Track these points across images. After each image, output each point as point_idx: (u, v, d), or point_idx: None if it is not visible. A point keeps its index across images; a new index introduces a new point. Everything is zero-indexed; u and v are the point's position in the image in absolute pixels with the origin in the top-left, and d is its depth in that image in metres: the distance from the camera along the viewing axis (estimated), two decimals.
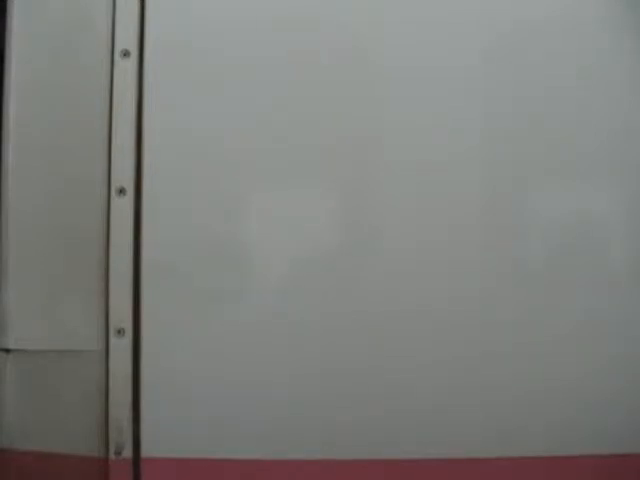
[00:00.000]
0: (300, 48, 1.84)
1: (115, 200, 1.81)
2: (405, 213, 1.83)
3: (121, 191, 1.81)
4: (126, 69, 1.83)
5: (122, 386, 1.79)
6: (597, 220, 1.88)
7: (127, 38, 1.84)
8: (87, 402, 1.81)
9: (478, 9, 1.85)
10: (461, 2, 1.86)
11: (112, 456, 1.78)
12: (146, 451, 1.79)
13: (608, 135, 1.85)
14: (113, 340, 1.80)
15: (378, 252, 1.82)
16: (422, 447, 1.80)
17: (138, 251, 1.80)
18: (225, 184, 1.83)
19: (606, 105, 1.86)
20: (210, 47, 1.84)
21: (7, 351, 1.85)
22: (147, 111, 1.82)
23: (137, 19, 1.84)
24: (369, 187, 1.84)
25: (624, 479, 1.82)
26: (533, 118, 1.84)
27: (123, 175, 1.82)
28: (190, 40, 1.84)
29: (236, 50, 1.83)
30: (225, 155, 1.83)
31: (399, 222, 1.83)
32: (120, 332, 1.80)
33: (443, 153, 1.83)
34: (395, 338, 1.80)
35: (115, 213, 1.81)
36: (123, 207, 1.81)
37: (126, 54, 1.83)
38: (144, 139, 1.82)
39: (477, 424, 1.80)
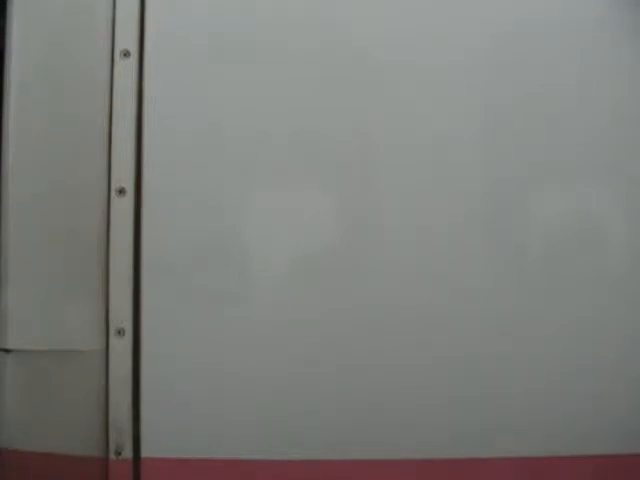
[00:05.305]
0: (299, 46, 1.84)
1: (115, 200, 1.82)
2: (405, 211, 1.83)
3: (121, 191, 1.81)
4: (126, 69, 1.83)
5: (122, 386, 1.79)
6: (597, 218, 1.88)
7: (127, 38, 1.84)
8: (87, 402, 1.81)
9: (478, 8, 1.86)
10: (461, 1, 1.87)
11: (112, 456, 1.78)
12: (146, 451, 1.79)
13: (608, 134, 1.85)
14: (113, 340, 1.80)
15: (378, 251, 1.82)
16: (423, 447, 1.80)
17: (138, 251, 1.81)
18: (225, 184, 1.83)
19: (606, 104, 1.86)
20: (210, 47, 1.84)
21: (7, 351, 1.85)
22: (147, 111, 1.82)
23: (137, 19, 1.84)
24: (369, 186, 1.84)
25: (624, 479, 1.82)
26: (533, 117, 1.84)
27: (123, 175, 1.82)
28: (190, 40, 1.84)
29: (236, 50, 1.83)
30: (225, 155, 1.83)
31: (399, 220, 1.83)
32: (120, 332, 1.80)
33: (443, 150, 1.83)
34: (395, 338, 1.80)
35: (115, 213, 1.82)
36: (123, 207, 1.81)
37: (126, 54, 1.84)
38: (144, 139, 1.82)
39: (477, 424, 1.80)
